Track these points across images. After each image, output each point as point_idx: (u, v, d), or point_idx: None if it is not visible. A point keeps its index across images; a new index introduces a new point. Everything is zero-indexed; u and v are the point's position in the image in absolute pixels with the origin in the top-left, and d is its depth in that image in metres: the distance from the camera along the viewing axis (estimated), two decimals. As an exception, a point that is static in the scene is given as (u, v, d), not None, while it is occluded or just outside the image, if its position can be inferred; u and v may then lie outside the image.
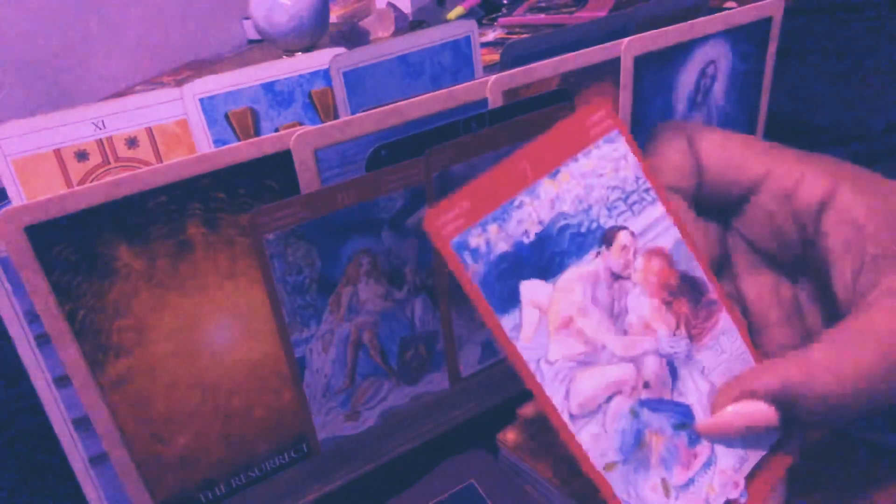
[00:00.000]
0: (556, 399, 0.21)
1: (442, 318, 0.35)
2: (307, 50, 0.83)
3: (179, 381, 0.29)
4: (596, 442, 0.21)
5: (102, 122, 0.39)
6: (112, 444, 0.28)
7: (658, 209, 0.23)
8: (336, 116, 0.44)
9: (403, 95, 0.31)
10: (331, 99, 0.44)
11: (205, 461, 0.31)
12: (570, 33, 0.38)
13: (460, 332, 0.36)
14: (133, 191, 0.26)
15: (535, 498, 0.33)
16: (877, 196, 0.23)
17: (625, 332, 0.22)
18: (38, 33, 0.91)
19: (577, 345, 0.21)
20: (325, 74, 0.43)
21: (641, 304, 0.22)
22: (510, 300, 0.20)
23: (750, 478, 0.23)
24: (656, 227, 0.23)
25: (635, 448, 0.22)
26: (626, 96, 0.38)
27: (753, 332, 0.26)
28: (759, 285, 0.27)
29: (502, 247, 0.20)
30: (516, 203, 0.21)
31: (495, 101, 0.33)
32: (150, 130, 0.40)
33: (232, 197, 0.28)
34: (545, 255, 0.21)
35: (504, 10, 1.06)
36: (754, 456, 0.23)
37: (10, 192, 0.38)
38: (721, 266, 0.27)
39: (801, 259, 0.25)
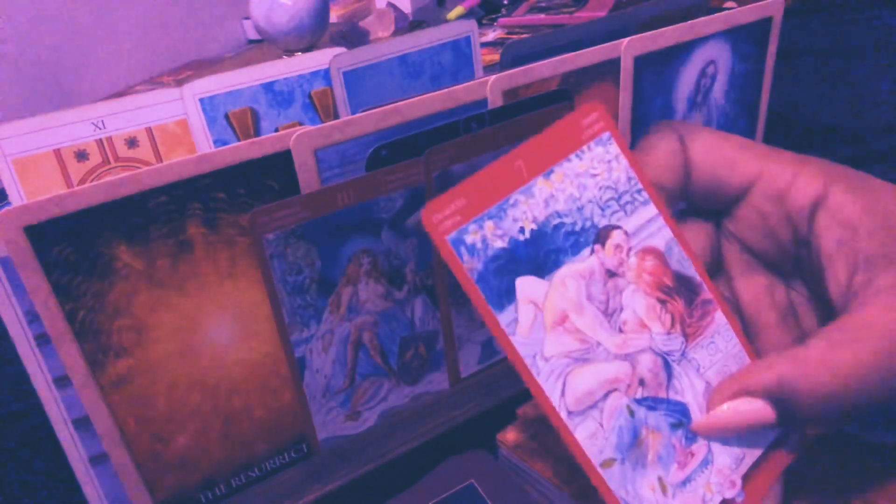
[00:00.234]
0: (553, 395, 0.21)
1: (442, 318, 0.35)
2: (307, 50, 0.83)
3: (179, 381, 0.29)
4: (593, 439, 0.21)
5: (102, 122, 0.39)
6: (112, 444, 0.28)
7: (650, 210, 0.23)
8: (336, 116, 0.44)
9: (403, 95, 0.31)
10: (331, 99, 0.44)
11: (205, 461, 0.31)
12: (570, 33, 0.38)
13: (460, 332, 0.36)
14: (133, 191, 0.26)
15: (535, 498, 0.33)
16: (869, 196, 0.23)
17: (619, 330, 0.22)
18: (38, 33, 0.91)
19: (573, 342, 0.21)
20: (325, 74, 0.43)
21: (636, 301, 0.23)
22: (506, 296, 0.20)
23: (747, 477, 0.23)
24: (649, 227, 0.23)
25: (632, 446, 0.22)
26: (626, 96, 0.38)
27: (748, 335, 0.26)
28: (754, 287, 0.27)
29: (498, 244, 0.21)
30: (511, 201, 0.21)
31: (495, 101, 0.33)
32: (150, 130, 0.40)
33: (232, 197, 0.28)
34: (540, 253, 0.21)
35: (504, 10, 1.06)
36: (751, 455, 0.23)
37: (10, 192, 0.38)
38: (715, 268, 0.27)
39: (795, 260, 0.25)
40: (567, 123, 0.22)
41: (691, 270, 0.24)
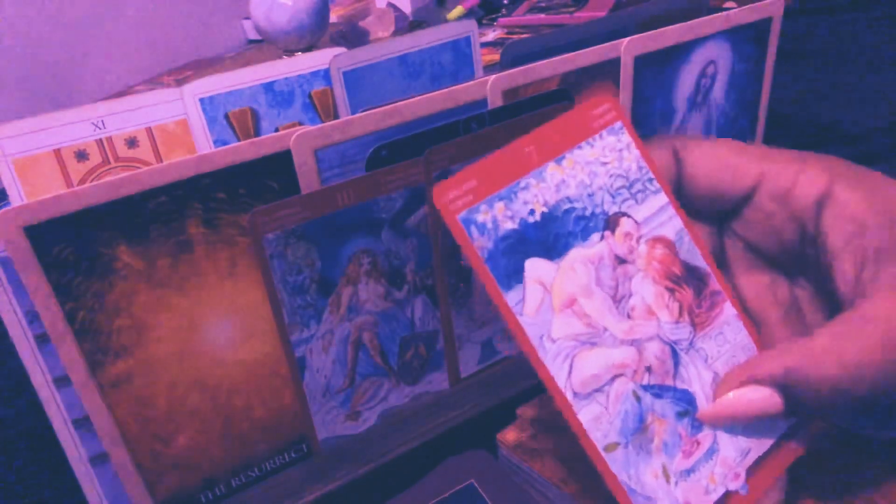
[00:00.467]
0: (559, 377, 0.21)
1: (442, 318, 0.35)
2: (307, 50, 0.83)
3: (179, 381, 0.29)
4: (597, 422, 0.21)
5: (102, 122, 0.39)
6: (112, 444, 0.28)
7: (661, 199, 0.24)
8: (336, 116, 0.44)
9: (403, 95, 0.31)
10: (331, 99, 0.44)
11: (205, 461, 0.31)
12: (570, 33, 0.38)
13: (460, 332, 0.36)
14: (133, 191, 0.26)
15: (535, 498, 0.33)
16: (873, 191, 0.23)
17: (627, 316, 0.22)
18: (38, 33, 0.91)
19: (580, 325, 0.21)
20: (325, 74, 0.43)
21: (644, 289, 0.23)
22: (515, 276, 0.21)
23: (752, 470, 0.23)
24: (660, 216, 0.23)
25: (637, 431, 0.22)
26: (626, 96, 0.38)
27: None
28: (756, 285, 0.27)
29: (508, 224, 0.21)
30: (522, 184, 0.21)
31: (495, 101, 0.33)
32: (150, 130, 0.40)
33: (232, 197, 0.28)
34: (550, 235, 0.22)
35: (504, 10, 1.06)
36: (758, 449, 0.23)
37: (10, 192, 0.38)
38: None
39: (800, 258, 0.25)
40: (579, 112, 0.23)
41: (700, 261, 0.24)
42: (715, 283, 0.24)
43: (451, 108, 0.32)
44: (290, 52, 0.83)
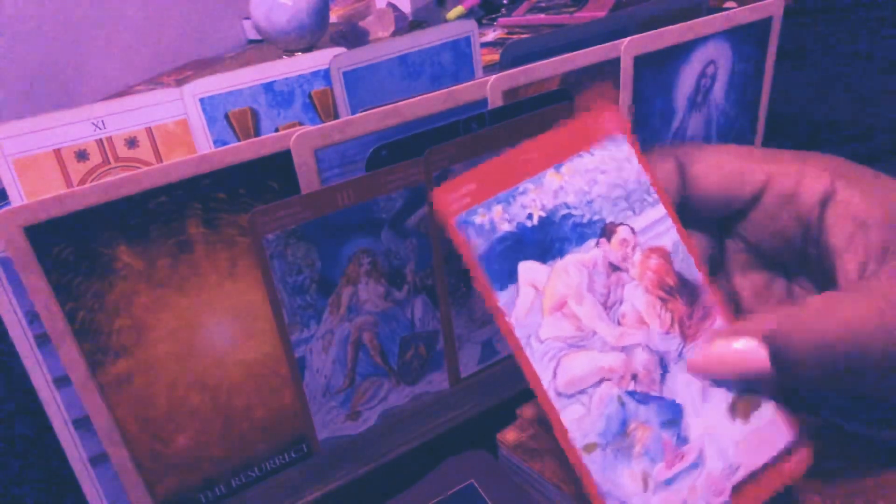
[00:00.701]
0: (544, 376, 0.21)
1: (442, 318, 0.35)
2: (307, 50, 0.83)
3: (179, 381, 0.29)
4: (579, 422, 0.21)
5: (102, 122, 0.39)
6: (112, 444, 0.29)
7: (659, 210, 0.24)
8: (336, 116, 0.44)
9: (403, 95, 0.31)
10: (331, 99, 0.44)
11: (205, 461, 0.31)
12: (570, 33, 0.38)
13: (460, 332, 0.36)
14: (133, 191, 0.26)
15: (535, 498, 0.33)
16: (875, 190, 0.23)
17: (618, 323, 0.22)
18: (38, 33, 0.91)
19: (569, 327, 0.22)
20: (325, 74, 0.43)
21: (636, 297, 0.23)
22: (508, 277, 0.21)
23: (738, 488, 0.23)
24: (657, 227, 0.24)
25: (619, 435, 0.22)
26: (626, 96, 0.38)
27: None
28: (753, 284, 0.27)
29: (505, 227, 0.22)
30: (521, 189, 0.22)
31: (495, 101, 0.33)
32: (150, 130, 0.40)
33: (232, 197, 0.28)
34: (546, 239, 0.22)
35: (504, 10, 1.06)
36: (747, 467, 0.23)
37: (10, 192, 0.38)
38: (713, 269, 0.27)
39: (803, 257, 0.25)
40: (579, 122, 0.23)
41: (695, 274, 0.24)
42: (708, 297, 0.24)
43: (451, 108, 0.32)
44: (290, 52, 0.83)
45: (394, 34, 0.99)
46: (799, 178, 0.24)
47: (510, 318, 0.21)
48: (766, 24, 0.42)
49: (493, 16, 1.05)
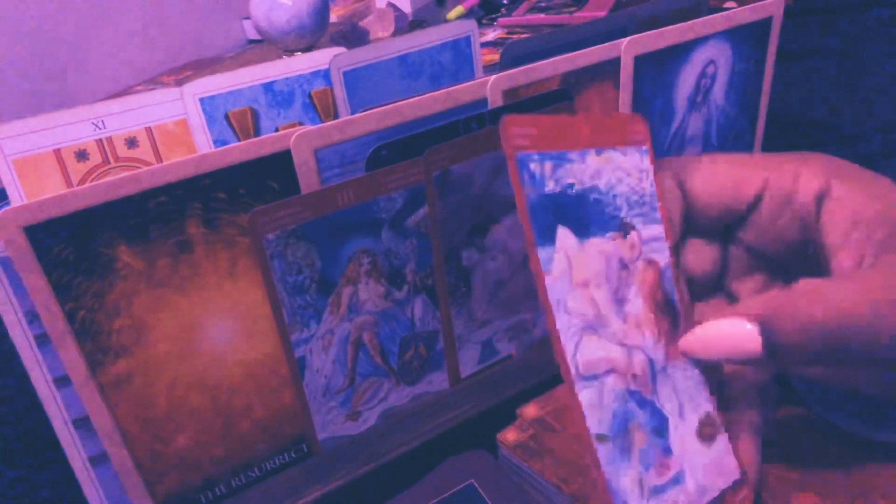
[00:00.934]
0: (568, 349, 0.21)
1: (442, 318, 0.35)
2: (307, 50, 0.83)
3: (179, 381, 0.29)
4: (592, 409, 0.21)
5: (102, 122, 0.39)
6: (112, 444, 0.28)
7: (659, 229, 0.24)
8: (336, 116, 0.44)
9: (403, 95, 0.31)
10: (331, 99, 0.44)
11: (205, 461, 0.31)
12: (570, 33, 0.38)
13: (460, 332, 0.36)
14: (133, 191, 0.26)
15: (535, 498, 0.33)
16: (870, 187, 0.24)
17: (623, 320, 0.22)
18: (38, 33, 0.91)
19: (590, 307, 0.22)
20: (325, 74, 0.43)
21: (637, 301, 0.23)
22: (549, 237, 0.21)
23: None
24: (654, 243, 0.24)
25: (622, 433, 0.22)
26: (626, 96, 0.38)
27: None
28: (753, 286, 0.27)
29: (551, 185, 0.22)
30: (569, 157, 0.22)
31: (495, 101, 0.33)
32: (149, 130, 0.40)
33: (232, 197, 0.28)
34: (580, 215, 0.22)
35: (504, 10, 1.06)
36: (710, 491, 0.23)
37: (10, 192, 0.38)
38: (718, 276, 0.27)
39: (802, 257, 0.26)
40: (619, 119, 0.24)
41: (675, 300, 0.24)
42: (683, 326, 0.24)
43: (451, 108, 0.32)
44: (290, 52, 0.83)
45: (394, 34, 0.99)
46: (794, 180, 0.25)
47: (546, 277, 0.21)
48: (766, 24, 0.42)
49: (493, 16, 1.05)
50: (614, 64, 0.36)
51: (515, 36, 0.93)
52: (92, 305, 0.26)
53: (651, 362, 0.23)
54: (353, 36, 0.96)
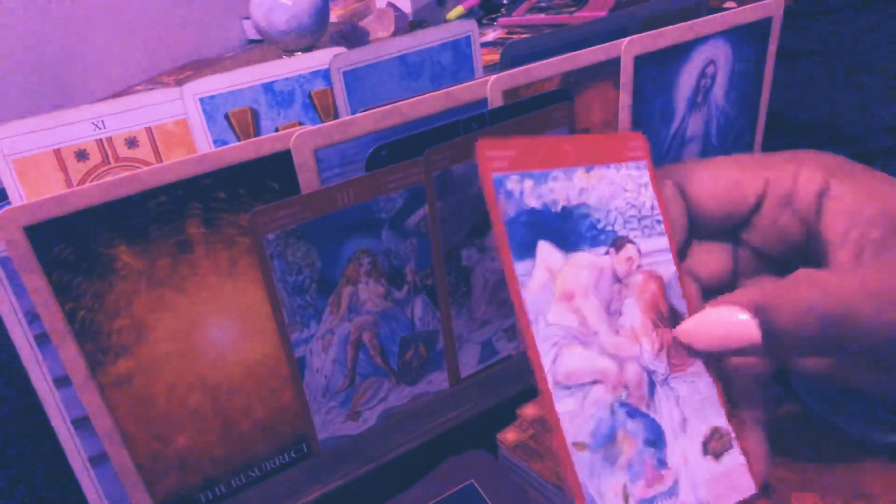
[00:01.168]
0: (545, 360, 0.21)
1: (442, 318, 0.35)
2: (307, 50, 0.83)
3: (179, 381, 0.29)
4: (571, 417, 0.21)
5: (102, 122, 0.39)
6: (112, 444, 0.28)
7: (663, 242, 0.25)
8: (336, 116, 0.44)
9: (403, 95, 0.31)
10: (331, 99, 0.44)
11: (205, 461, 0.31)
12: (570, 33, 0.38)
13: (460, 332, 0.36)
14: (133, 191, 0.26)
15: (535, 498, 0.33)
16: (868, 184, 0.24)
17: (616, 332, 0.23)
18: (38, 33, 0.91)
19: (574, 320, 0.22)
20: (325, 74, 0.43)
21: (634, 313, 0.23)
22: (527, 250, 0.22)
23: None
24: (658, 256, 0.24)
25: (607, 442, 0.22)
26: (626, 96, 0.38)
27: None
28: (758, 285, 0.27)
29: (532, 202, 0.22)
30: (553, 175, 0.23)
31: (495, 101, 0.33)
32: (150, 130, 0.40)
33: (232, 197, 0.28)
34: (565, 229, 0.23)
35: (504, 10, 1.06)
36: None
37: (10, 192, 0.38)
38: (732, 279, 0.27)
39: (805, 256, 0.26)
40: (614, 138, 0.25)
41: (684, 311, 0.24)
42: None
43: (451, 108, 0.32)
44: (290, 52, 0.83)
45: (394, 34, 0.99)
46: (794, 179, 0.25)
47: (524, 291, 0.21)
48: (766, 24, 0.42)
49: (493, 16, 1.05)
50: (614, 64, 0.36)
51: (515, 36, 0.93)
52: (92, 305, 0.26)
53: (648, 374, 0.23)
54: (353, 36, 0.96)
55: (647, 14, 0.41)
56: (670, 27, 0.38)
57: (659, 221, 0.25)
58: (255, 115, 0.43)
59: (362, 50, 0.43)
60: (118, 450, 0.29)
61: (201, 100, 0.41)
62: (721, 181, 0.26)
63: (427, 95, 0.31)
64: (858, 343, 0.21)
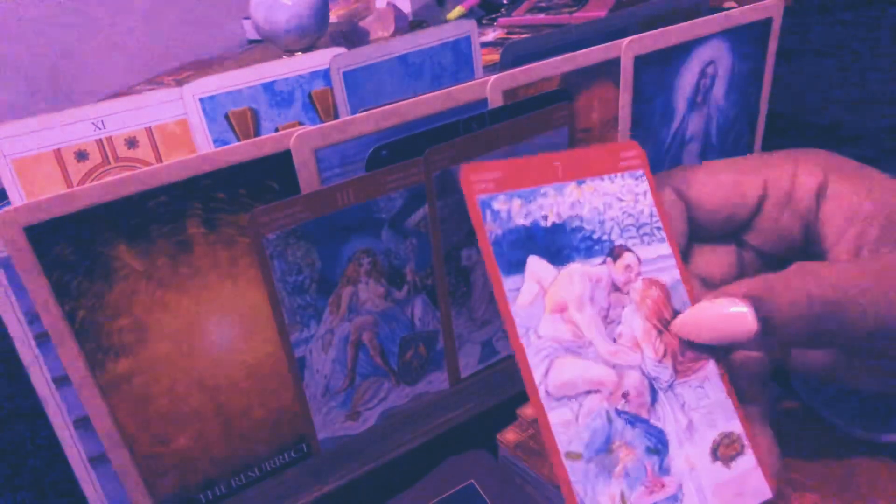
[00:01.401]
0: (537, 373, 0.21)
1: (442, 318, 0.35)
2: (307, 50, 0.83)
3: (179, 381, 0.29)
4: (565, 427, 0.22)
5: (102, 122, 0.39)
6: (112, 444, 0.29)
7: (665, 248, 0.25)
8: (336, 116, 0.44)
9: (403, 95, 0.31)
10: (331, 99, 0.44)
11: (205, 461, 0.31)
12: (570, 33, 0.38)
13: (460, 332, 0.36)
14: (133, 191, 0.26)
15: (535, 498, 0.33)
16: (866, 182, 0.24)
17: (613, 341, 0.23)
18: (38, 34, 0.91)
19: (567, 331, 0.22)
20: (325, 74, 0.43)
21: (634, 321, 0.23)
22: (516, 266, 0.22)
23: None
24: (659, 262, 0.24)
25: (603, 451, 0.22)
26: (626, 96, 0.38)
27: None
28: None
29: (521, 220, 0.22)
30: (542, 191, 0.23)
31: (495, 101, 0.33)
32: (150, 130, 0.40)
33: (232, 197, 0.28)
34: (556, 243, 0.23)
35: (504, 10, 1.06)
36: None
37: (10, 192, 0.38)
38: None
39: (806, 255, 0.26)
40: (608, 149, 0.25)
41: None
42: None
43: (451, 108, 0.32)
44: (290, 52, 0.83)
45: (394, 34, 0.99)
46: (793, 179, 0.25)
47: (512, 306, 0.22)
48: (766, 24, 0.42)
49: (493, 16, 1.05)
50: (614, 64, 0.36)
51: (515, 36, 0.93)
52: (92, 305, 0.26)
53: (650, 381, 0.23)
54: (353, 36, 0.96)
55: (647, 14, 0.41)
56: (670, 27, 0.38)
57: (659, 228, 0.25)
58: (255, 115, 0.43)
59: (362, 50, 0.43)
60: (118, 450, 0.29)
61: (201, 100, 0.41)
62: (721, 185, 0.26)
63: (427, 95, 0.31)
64: (854, 332, 0.21)
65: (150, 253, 0.27)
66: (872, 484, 0.27)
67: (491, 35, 0.95)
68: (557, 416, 0.21)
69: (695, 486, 0.23)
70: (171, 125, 0.40)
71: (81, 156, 0.39)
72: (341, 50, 0.43)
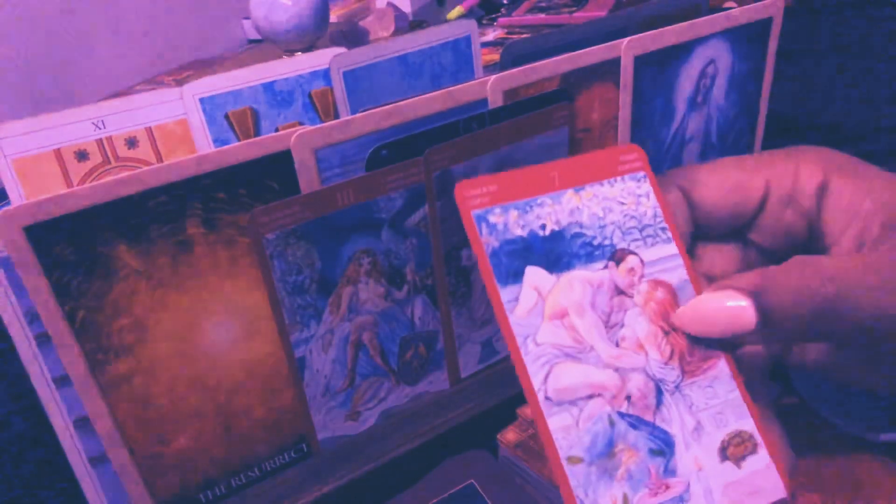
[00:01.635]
0: (536, 378, 0.22)
1: (442, 318, 0.35)
2: (307, 50, 0.83)
3: (179, 381, 0.29)
4: (565, 432, 0.22)
5: (102, 122, 0.39)
6: (112, 444, 0.28)
7: (671, 248, 0.25)
8: (336, 116, 0.44)
9: (403, 95, 0.31)
10: (331, 99, 0.44)
11: (205, 461, 0.31)
12: (570, 33, 0.38)
13: (460, 332, 0.36)
14: (133, 191, 0.26)
15: (536, 498, 0.33)
16: (866, 179, 0.24)
17: (616, 344, 0.23)
18: (39, 33, 0.91)
19: (567, 337, 0.22)
20: (325, 74, 0.43)
21: (638, 324, 0.23)
22: (513, 277, 0.22)
23: None
24: (665, 262, 0.24)
25: (604, 455, 0.22)
26: (626, 96, 0.38)
27: None
28: None
29: (518, 231, 0.23)
30: (539, 201, 0.23)
31: (495, 101, 0.33)
32: (150, 130, 0.40)
33: (232, 197, 0.28)
34: (555, 251, 0.23)
35: (504, 10, 1.06)
36: None
37: (10, 192, 0.38)
38: None
39: (809, 252, 0.26)
40: (605, 154, 0.25)
41: None
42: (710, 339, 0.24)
43: (451, 108, 0.32)
44: (290, 52, 0.83)
45: (394, 34, 0.99)
46: (795, 177, 0.25)
47: (510, 316, 0.22)
48: (766, 24, 0.42)
49: (493, 16, 1.05)
50: (614, 64, 0.36)
51: (515, 36, 0.93)
52: (92, 305, 0.26)
53: (656, 383, 0.23)
54: (353, 36, 0.96)
55: (647, 14, 0.41)
56: (670, 27, 0.38)
57: (664, 229, 0.25)
58: (255, 115, 0.43)
59: (362, 50, 0.43)
60: (118, 450, 0.29)
61: (201, 100, 0.41)
62: (724, 185, 0.26)
63: (427, 95, 0.31)
64: (852, 324, 0.21)
65: (150, 253, 0.27)
66: (873, 483, 0.27)
67: (491, 35, 0.95)
68: (557, 422, 0.21)
69: (703, 487, 0.23)
70: (171, 125, 0.40)
71: (81, 156, 0.39)
72: (341, 50, 0.43)
